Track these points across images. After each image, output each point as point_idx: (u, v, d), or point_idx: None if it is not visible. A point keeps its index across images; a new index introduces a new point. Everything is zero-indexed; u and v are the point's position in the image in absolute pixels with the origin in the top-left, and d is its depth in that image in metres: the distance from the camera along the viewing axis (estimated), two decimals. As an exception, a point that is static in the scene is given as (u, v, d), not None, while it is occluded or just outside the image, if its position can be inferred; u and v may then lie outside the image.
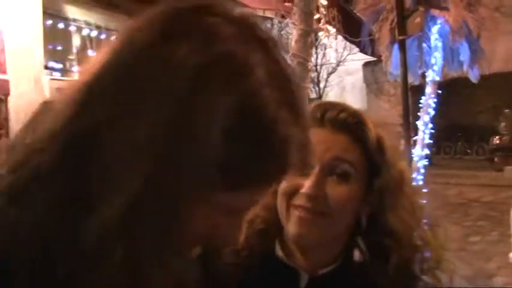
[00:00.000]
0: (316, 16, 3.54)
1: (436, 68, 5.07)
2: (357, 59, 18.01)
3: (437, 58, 4.92)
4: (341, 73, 21.59)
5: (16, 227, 0.43)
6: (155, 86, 0.44)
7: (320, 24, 3.58)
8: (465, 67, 5.01)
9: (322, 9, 3.55)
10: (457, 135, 17.38)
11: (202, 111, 0.43)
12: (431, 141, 5.16)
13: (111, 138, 0.43)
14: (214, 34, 0.46)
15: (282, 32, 17.63)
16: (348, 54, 19.24)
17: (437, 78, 5.10)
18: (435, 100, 5.10)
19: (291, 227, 0.84)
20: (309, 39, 3.44)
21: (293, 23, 3.49)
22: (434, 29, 5.05)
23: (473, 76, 5.06)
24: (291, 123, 0.47)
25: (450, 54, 5.07)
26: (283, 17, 4.88)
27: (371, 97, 19.35)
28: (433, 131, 5.15)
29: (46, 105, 0.52)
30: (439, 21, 4.99)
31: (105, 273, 0.43)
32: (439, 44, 5.04)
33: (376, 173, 0.86)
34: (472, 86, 8.59)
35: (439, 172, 15.27)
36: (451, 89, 8.67)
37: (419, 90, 5.54)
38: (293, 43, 3.50)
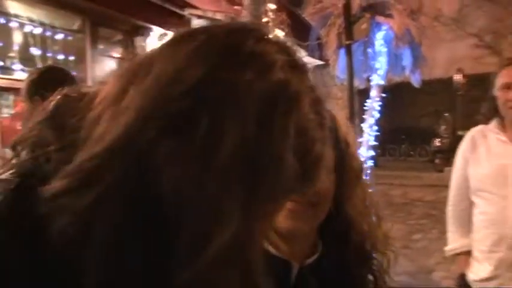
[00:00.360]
0: (265, 20, 3.57)
1: (380, 72, 5.23)
2: (305, 63, 18.36)
3: (381, 63, 5.07)
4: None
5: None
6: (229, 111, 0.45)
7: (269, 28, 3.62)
8: (407, 72, 5.20)
9: (270, 13, 3.59)
10: (401, 137, 17.90)
11: (277, 132, 0.46)
12: (376, 143, 5.31)
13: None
14: (271, 62, 0.48)
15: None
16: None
17: (382, 82, 5.26)
18: (380, 103, 5.26)
19: (282, 221, 0.84)
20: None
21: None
22: (379, 35, 5.21)
23: (415, 81, 5.26)
24: (324, 142, 0.52)
25: (394, 60, 5.25)
26: (233, 19, 4.94)
27: (319, 100, 19.72)
28: (378, 133, 5.31)
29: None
30: (383, 28, 5.15)
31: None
32: (384, 50, 5.21)
33: (342, 164, 0.90)
34: (415, 91, 8.89)
35: (384, 173, 15.72)
36: (396, 93, 8.95)
37: (366, 93, 5.71)
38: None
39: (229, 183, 0.43)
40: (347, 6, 4.86)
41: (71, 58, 5.46)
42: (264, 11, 3.51)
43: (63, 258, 0.43)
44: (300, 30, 5.60)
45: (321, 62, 5.81)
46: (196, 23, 7.08)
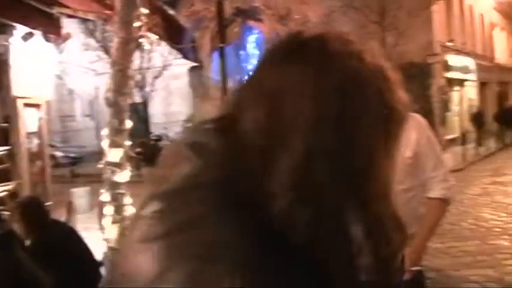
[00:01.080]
0: (137, 24, 3.59)
1: (253, 74, 5.47)
2: (182, 64, 18.21)
3: (253, 65, 5.31)
4: (167, 77, 21.64)
5: None
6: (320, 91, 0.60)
7: (141, 32, 3.63)
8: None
9: (143, 18, 3.61)
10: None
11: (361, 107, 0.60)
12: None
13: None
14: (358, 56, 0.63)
15: (106, 35, 16.98)
16: (174, 59, 19.37)
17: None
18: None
19: None
20: (129, 47, 3.51)
21: (113, 31, 3.52)
22: (251, 38, 5.45)
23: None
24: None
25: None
26: (105, 20, 4.87)
27: (197, 101, 19.78)
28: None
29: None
30: (255, 32, 5.40)
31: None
32: (256, 52, 5.45)
33: None
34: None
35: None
36: None
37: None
38: (114, 50, 3.52)
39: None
40: (220, 11, 5.03)
41: None
42: (137, 16, 3.52)
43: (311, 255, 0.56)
44: (174, 32, 5.67)
45: (195, 64, 5.91)
46: (66, 22, 6.79)
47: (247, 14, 5.27)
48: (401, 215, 0.66)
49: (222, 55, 4.97)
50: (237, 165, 0.59)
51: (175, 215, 0.57)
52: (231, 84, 5.55)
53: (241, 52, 5.45)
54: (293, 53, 0.63)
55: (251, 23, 5.35)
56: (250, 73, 0.67)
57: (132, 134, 4.29)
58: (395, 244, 0.61)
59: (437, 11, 20.08)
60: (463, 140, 21.40)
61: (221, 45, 4.95)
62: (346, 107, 0.59)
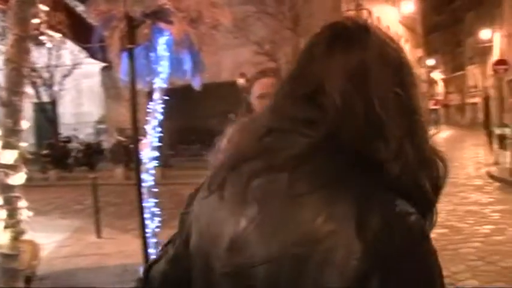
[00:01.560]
0: (36, 21, 3.45)
1: (163, 76, 5.43)
2: (94, 62, 17.65)
3: (164, 67, 5.28)
4: (78, 76, 20.76)
5: None
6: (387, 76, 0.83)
7: (41, 29, 3.50)
8: (188, 76, 5.50)
9: (42, 15, 3.47)
10: (192, 138, 18.60)
11: (415, 86, 0.86)
12: (160, 144, 5.51)
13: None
14: (395, 43, 0.87)
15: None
16: (85, 57, 18.68)
17: (164, 85, 5.47)
18: (163, 105, 5.47)
19: None
20: (24, 44, 3.36)
21: (8, 27, 3.35)
22: (162, 40, 5.40)
23: (196, 84, 5.59)
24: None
25: (176, 64, 5.49)
26: (4, 11, 4.64)
27: (109, 102, 19.21)
28: (161, 134, 5.51)
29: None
30: (166, 34, 5.36)
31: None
32: (166, 54, 5.41)
33: None
34: (205, 93, 9.35)
35: (177, 173, 16.22)
36: (187, 96, 9.28)
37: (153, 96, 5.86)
38: (9, 47, 3.36)
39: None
40: (128, 11, 4.95)
41: None
42: (34, 12, 3.37)
43: None
44: (81, 31, 5.50)
45: (104, 64, 5.74)
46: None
47: (157, 16, 5.22)
48: None
49: (130, 56, 4.89)
50: (347, 134, 0.78)
51: (323, 172, 0.76)
52: (140, 86, 5.48)
53: (152, 54, 5.37)
54: (358, 40, 0.83)
55: (162, 24, 5.29)
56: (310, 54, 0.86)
57: (39, 135, 4.12)
58: (442, 171, 0.83)
59: (348, 20, 21.05)
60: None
61: (129, 46, 4.86)
62: (409, 81, 0.85)
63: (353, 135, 0.77)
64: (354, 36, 0.83)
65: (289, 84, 0.87)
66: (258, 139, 0.84)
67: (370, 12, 25.65)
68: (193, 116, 18.71)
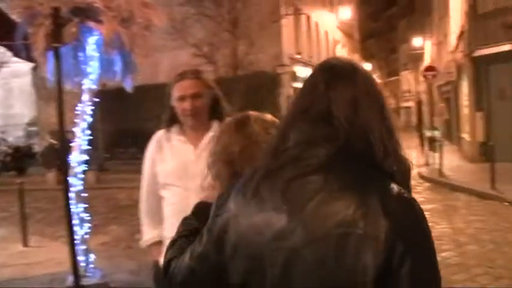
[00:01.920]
0: None
1: (92, 76, 5.24)
2: (25, 61, 16.88)
3: (93, 67, 5.09)
4: (7, 75, 19.75)
5: None
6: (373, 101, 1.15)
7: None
8: (118, 78, 5.33)
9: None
10: (128, 141, 18.18)
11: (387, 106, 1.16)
12: (90, 147, 5.31)
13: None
14: (370, 76, 1.20)
15: None
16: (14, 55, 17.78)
17: (94, 87, 5.28)
18: (92, 107, 5.27)
19: None
20: None
21: None
22: (91, 40, 5.21)
23: (128, 86, 5.43)
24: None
25: (106, 65, 5.32)
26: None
27: (41, 103, 18.45)
28: (95, 137, 5.31)
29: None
30: (95, 33, 5.17)
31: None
32: (96, 54, 5.23)
33: None
34: (141, 95, 9.15)
35: (113, 177, 15.81)
36: (123, 98, 9.03)
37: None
38: None
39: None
40: (56, 8, 4.74)
41: None
42: None
43: None
44: (3, 27, 5.20)
45: (29, 63, 5.47)
46: None
47: (86, 14, 5.02)
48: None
49: (56, 56, 4.68)
50: (354, 145, 1.07)
51: (346, 174, 1.04)
52: (68, 86, 5.26)
53: (80, 54, 5.16)
54: (350, 76, 1.15)
55: (91, 23, 5.10)
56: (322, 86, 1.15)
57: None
58: (409, 166, 1.14)
59: (286, 25, 21.29)
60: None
61: (56, 45, 4.64)
62: (384, 102, 1.16)
63: (359, 146, 1.07)
64: (347, 75, 1.15)
65: (300, 109, 1.14)
66: (283, 151, 1.11)
67: (308, 17, 26.11)
68: (130, 118, 18.31)
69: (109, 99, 12.40)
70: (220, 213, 1.14)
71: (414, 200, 1.05)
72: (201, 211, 1.43)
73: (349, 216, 0.98)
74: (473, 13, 15.40)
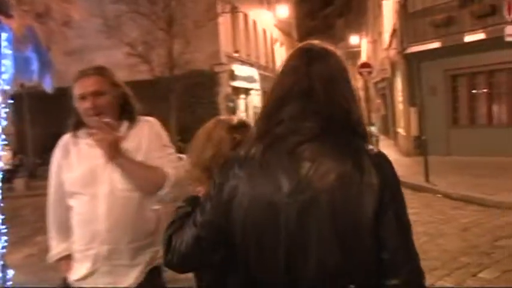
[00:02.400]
0: None
1: (5, 76, 4.81)
2: None
3: (6, 66, 4.66)
4: None
5: None
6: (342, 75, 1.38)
7: None
8: (36, 78, 4.93)
9: None
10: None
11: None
12: (4, 153, 4.87)
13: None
14: (340, 57, 1.41)
15: None
16: None
17: (8, 87, 4.85)
18: (6, 110, 4.84)
19: None
20: None
21: None
22: (4, 36, 4.78)
23: (47, 86, 5.03)
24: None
25: (22, 64, 4.90)
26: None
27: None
28: (5, 142, 4.88)
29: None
30: (6, 29, 4.75)
31: None
32: (9, 52, 4.80)
33: None
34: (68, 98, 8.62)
35: (44, 183, 15.05)
36: (55, 101, 8.50)
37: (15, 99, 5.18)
38: None
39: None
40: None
41: None
42: None
43: None
44: None
45: None
46: None
47: (-3, 9, 4.60)
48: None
49: (-40, 53, 4.24)
50: (335, 115, 1.31)
51: (336, 141, 1.29)
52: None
53: (-10, 51, 4.72)
54: (325, 57, 1.37)
55: (2, 19, 4.67)
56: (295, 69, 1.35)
57: None
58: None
59: (223, 23, 21.08)
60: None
61: (-40, 41, 4.21)
62: (350, 78, 1.38)
63: (339, 115, 1.29)
64: (322, 56, 1.37)
65: (282, 87, 1.35)
66: (278, 124, 1.30)
67: (246, 16, 26.04)
68: (62, 121, 17.51)
69: (39, 101, 11.72)
70: (226, 181, 1.31)
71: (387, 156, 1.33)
72: (191, 199, 1.58)
73: (347, 171, 1.23)
74: (404, 12, 15.83)
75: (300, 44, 1.44)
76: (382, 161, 1.28)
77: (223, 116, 1.76)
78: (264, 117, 1.35)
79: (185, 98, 20.33)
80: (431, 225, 7.08)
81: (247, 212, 1.26)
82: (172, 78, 17.21)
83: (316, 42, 1.43)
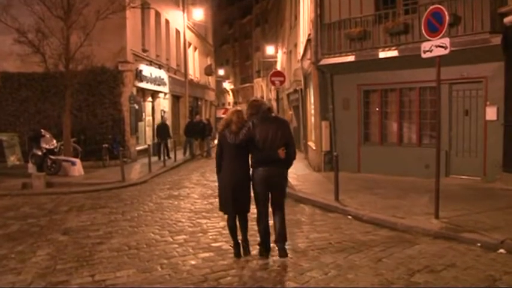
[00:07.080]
0: None
1: None
2: None
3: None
4: None
5: None
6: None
7: None
8: None
9: None
10: None
11: None
12: None
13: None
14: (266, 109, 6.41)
15: None
16: None
17: None
18: None
19: None
20: None
21: None
22: None
23: None
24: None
25: None
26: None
27: None
28: None
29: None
30: None
31: None
32: None
33: None
34: None
35: None
36: None
37: None
38: None
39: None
40: None
41: None
42: None
43: None
44: None
45: None
46: None
47: None
48: None
49: None
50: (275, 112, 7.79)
51: (277, 119, 6.67)
52: None
53: None
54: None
55: None
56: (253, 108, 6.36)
57: None
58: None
59: (132, 18, 19.54)
60: (153, 150, 21.30)
61: None
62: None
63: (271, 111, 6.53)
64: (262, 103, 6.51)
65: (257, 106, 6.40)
66: (258, 114, 6.25)
67: (158, 14, 24.60)
68: None
69: None
70: (252, 126, 6.10)
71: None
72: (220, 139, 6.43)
73: (281, 126, 6.22)
74: (319, 22, 15.32)
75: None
76: (286, 122, 6.49)
77: (237, 107, 6.75)
78: (253, 107, 6.32)
79: (84, 96, 18.50)
80: (342, 255, 6.27)
81: (257, 135, 6.06)
82: (68, 73, 15.42)
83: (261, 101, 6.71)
